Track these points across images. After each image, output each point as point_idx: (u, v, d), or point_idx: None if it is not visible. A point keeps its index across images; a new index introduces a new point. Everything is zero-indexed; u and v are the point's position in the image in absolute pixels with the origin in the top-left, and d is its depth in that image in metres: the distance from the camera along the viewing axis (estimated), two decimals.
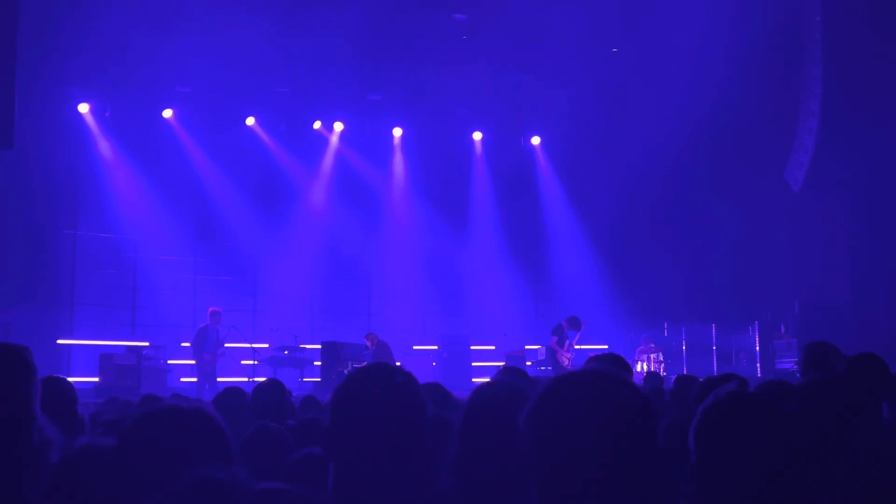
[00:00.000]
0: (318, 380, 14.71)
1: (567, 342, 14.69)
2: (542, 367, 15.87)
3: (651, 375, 10.71)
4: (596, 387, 1.67)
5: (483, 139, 19.64)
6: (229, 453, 1.95)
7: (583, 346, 15.58)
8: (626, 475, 1.59)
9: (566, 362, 14.52)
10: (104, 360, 13.72)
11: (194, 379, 14.73)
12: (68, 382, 4.02)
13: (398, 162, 19.26)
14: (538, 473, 1.64)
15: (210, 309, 14.88)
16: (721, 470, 1.80)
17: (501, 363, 15.34)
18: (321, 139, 18.75)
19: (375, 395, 2.14)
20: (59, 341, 15.38)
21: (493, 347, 18.04)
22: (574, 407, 1.64)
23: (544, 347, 16.17)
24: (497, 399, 2.34)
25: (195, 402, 2.12)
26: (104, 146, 16.56)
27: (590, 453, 1.58)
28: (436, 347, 17.61)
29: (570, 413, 1.63)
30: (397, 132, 19.13)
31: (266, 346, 15.77)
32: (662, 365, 16.07)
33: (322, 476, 2.18)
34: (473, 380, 16.18)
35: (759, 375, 16.62)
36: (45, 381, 3.88)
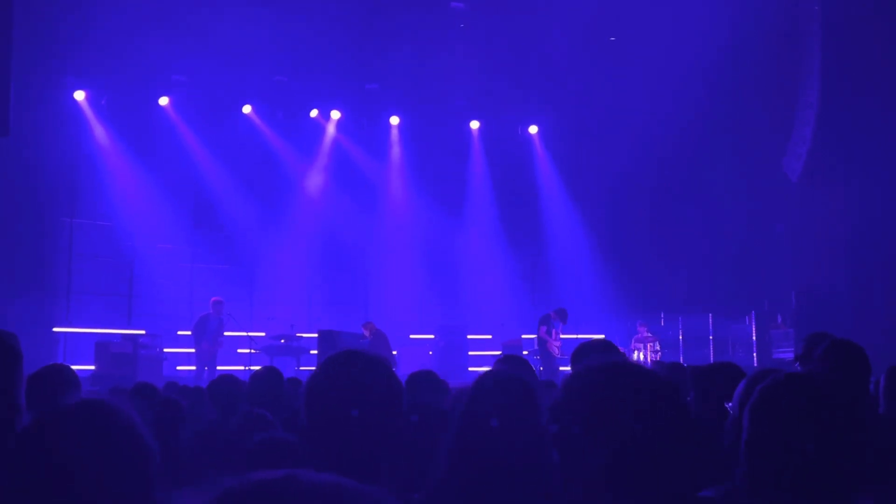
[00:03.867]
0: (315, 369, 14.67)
1: (554, 331, 15.02)
2: (537, 357, 15.89)
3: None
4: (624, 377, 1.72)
5: (480, 128, 19.60)
6: (147, 463, 1.63)
7: (578, 336, 15.60)
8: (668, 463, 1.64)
9: (556, 351, 14.84)
10: (100, 349, 13.69)
11: (192, 367, 14.75)
12: (71, 370, 4.09)
13: (395, 151, 19.22)
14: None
15: (212, 299, 14.97)
16: (772, 447, 1.84)
17: (498, 352, 15.36)
18: (318, 128, 18.70)
19: (348, 386, 2.11)
20: (55, 329, 15.37)
21: (489, 336, 18.03)
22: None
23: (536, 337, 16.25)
24: (500, 388, 2.34)
25: (108, 395, 1.79)
26: (101, 134, 16.51)
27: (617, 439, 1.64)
28: (432, 336, 17.57)
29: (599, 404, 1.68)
30: (394, 121, 19.08)
31: (262, 334, 15.76)
32: (659, 354, 16.05)
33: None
34: (470, 369, 16.19)
35: (755, 365, 16.65)
36: (49, 368, 3.94)
